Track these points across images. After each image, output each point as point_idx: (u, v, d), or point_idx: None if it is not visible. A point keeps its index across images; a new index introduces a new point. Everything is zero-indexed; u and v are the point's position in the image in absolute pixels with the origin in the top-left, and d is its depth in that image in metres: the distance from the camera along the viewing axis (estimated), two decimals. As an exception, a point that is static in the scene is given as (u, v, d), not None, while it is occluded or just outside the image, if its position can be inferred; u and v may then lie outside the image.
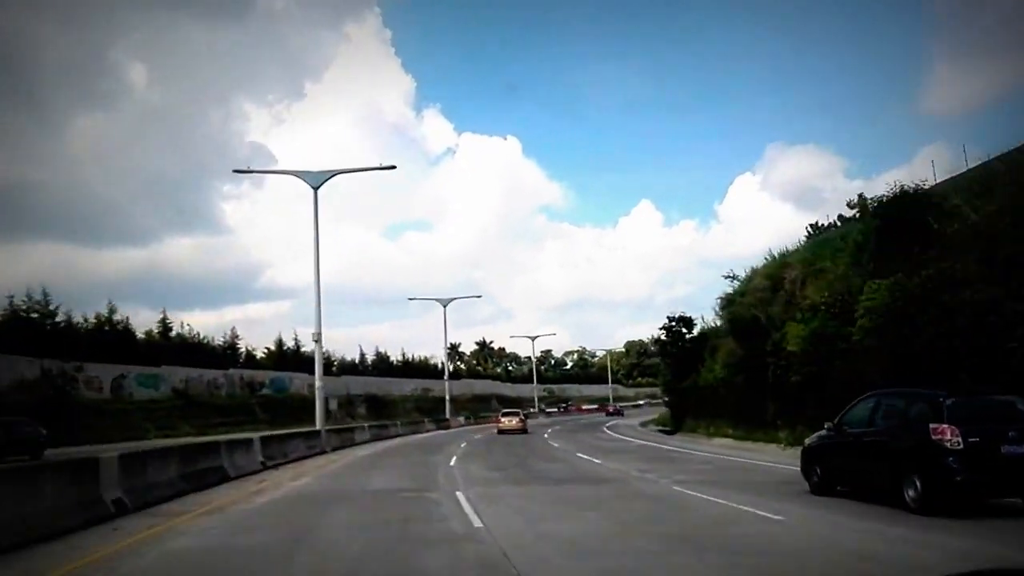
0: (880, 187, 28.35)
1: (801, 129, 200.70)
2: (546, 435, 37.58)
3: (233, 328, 60.29)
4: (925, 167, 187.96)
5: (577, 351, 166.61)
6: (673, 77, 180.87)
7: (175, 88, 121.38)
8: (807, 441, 13.04)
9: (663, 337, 42.63)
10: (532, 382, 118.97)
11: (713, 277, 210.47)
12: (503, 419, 40.36)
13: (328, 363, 76.38)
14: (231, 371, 53.58)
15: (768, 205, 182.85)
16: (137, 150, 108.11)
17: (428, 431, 48.34)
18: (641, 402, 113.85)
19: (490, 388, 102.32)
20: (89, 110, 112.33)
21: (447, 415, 59.88)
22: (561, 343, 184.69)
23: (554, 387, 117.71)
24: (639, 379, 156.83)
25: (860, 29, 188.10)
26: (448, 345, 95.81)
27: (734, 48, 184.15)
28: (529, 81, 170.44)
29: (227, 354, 56.55)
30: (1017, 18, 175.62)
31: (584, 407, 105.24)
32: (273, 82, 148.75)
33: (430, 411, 77.02)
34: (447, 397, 61.55)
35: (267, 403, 53.31)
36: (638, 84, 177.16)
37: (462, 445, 30.20)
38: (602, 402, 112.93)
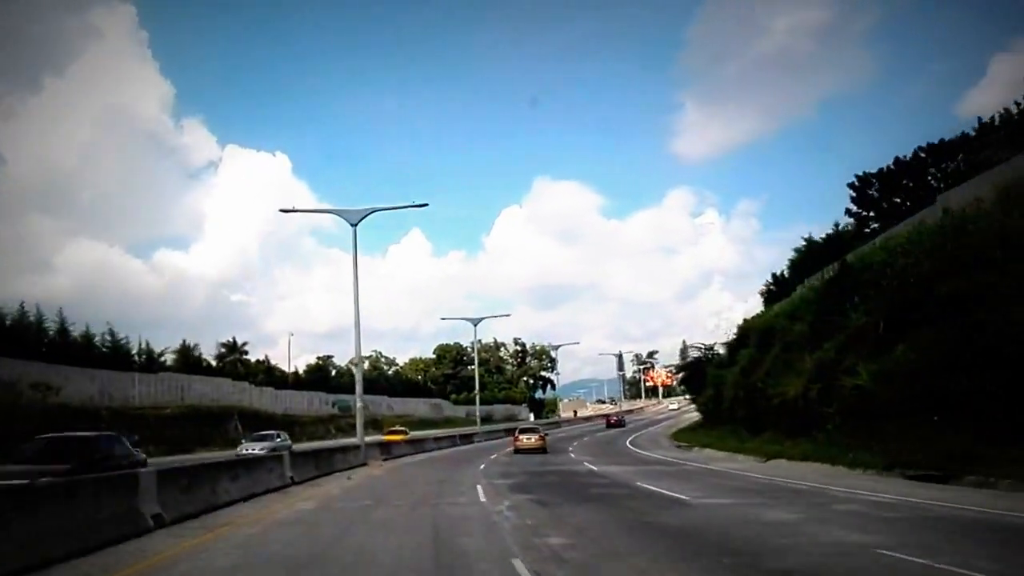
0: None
1: (567, 165, 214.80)
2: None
3: None
4: (672, 209, 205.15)
5: (370, 357, 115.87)
6: (447, 109, 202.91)
7: None
8: None
9: None
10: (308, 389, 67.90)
11: (477, 308, 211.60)
12: (521, 436, 34.78)
13: None
14: None
15: (532, 238, 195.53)
16: None
17: None
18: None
19: (228, 395, 49.75)
20: None
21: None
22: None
23: (349, 399, 67.42)
24: (467, 394, 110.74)
25: (622, 73, 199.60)
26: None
27: (505, 84, 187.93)
28: (300, 99, 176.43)
29: None
30: (754, 73, 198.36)
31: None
32: (2, 71, 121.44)
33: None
34: None
35: None
36: (413, 114, 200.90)
37: None
38: (445, 424, 66.13)
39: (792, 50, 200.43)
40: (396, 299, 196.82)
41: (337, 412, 63.58)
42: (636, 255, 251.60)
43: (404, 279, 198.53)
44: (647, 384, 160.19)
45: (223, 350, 76.38)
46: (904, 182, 37.51)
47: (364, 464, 26.57)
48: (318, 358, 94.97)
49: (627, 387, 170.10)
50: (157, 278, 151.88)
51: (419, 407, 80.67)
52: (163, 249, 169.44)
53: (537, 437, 34.33)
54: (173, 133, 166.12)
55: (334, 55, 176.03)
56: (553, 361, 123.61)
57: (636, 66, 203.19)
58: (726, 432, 32.51)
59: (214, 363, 58.54)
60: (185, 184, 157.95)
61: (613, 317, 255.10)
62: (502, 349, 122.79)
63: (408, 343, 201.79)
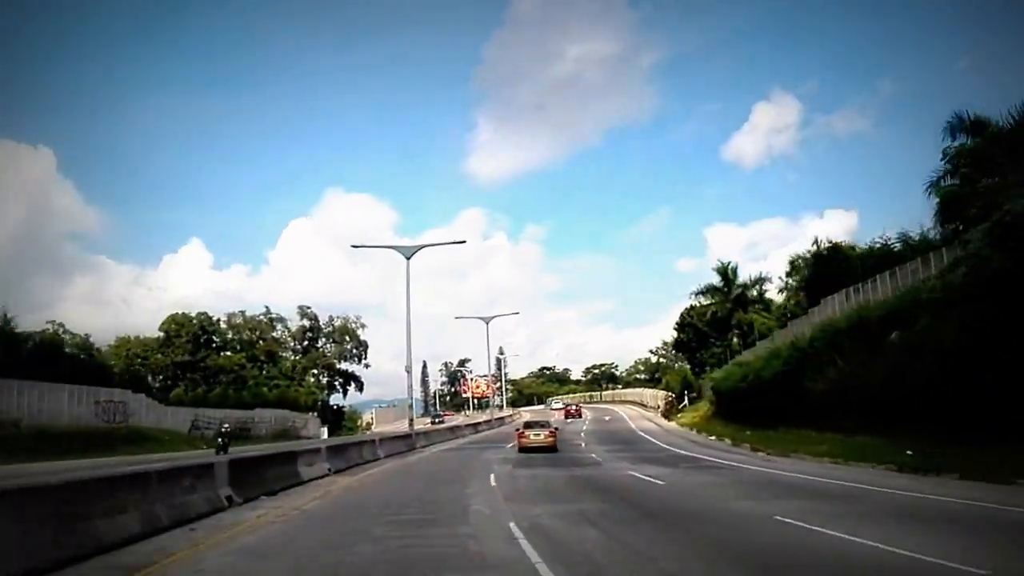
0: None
1: (361, 177, 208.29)
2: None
3: None
4: (463, 230, 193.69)
5: (43, 331, 67.85)
6: (234, 113, 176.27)
7: None
8: None
9: None
10: None
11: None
12: (528, 432, 32.46)
13: None
14: None
15: (321, 252, 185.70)
16: None
17: None
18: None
19: None
20: None
21: None
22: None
23: None
24: (203, 389, 66.07)
25: (420, 86, 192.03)
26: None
27: (298, 92, 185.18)
28: (68, 90, 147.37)
29: None
30: (546, 97, 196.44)
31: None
32: None
33: None
34: None
35: None
36: (197, 117, 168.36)
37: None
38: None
39: (582, 78, 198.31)
40: (168, 313, 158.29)
41: None
42: (426, 274, 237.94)
43: (178, 292, 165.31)
44: (464, 395, 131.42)
45: None
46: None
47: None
48: None
49: (432, 400, 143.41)
50: None
51: (58, 405, 36.87)
52: None
53: (547, 433, 32.54)
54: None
55: (108, 46, 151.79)
56: (363, 346, 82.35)
57: (433, 81, 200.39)
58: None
59: None
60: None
61: (401, 337, 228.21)
62: (279, 326, 79.61)
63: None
